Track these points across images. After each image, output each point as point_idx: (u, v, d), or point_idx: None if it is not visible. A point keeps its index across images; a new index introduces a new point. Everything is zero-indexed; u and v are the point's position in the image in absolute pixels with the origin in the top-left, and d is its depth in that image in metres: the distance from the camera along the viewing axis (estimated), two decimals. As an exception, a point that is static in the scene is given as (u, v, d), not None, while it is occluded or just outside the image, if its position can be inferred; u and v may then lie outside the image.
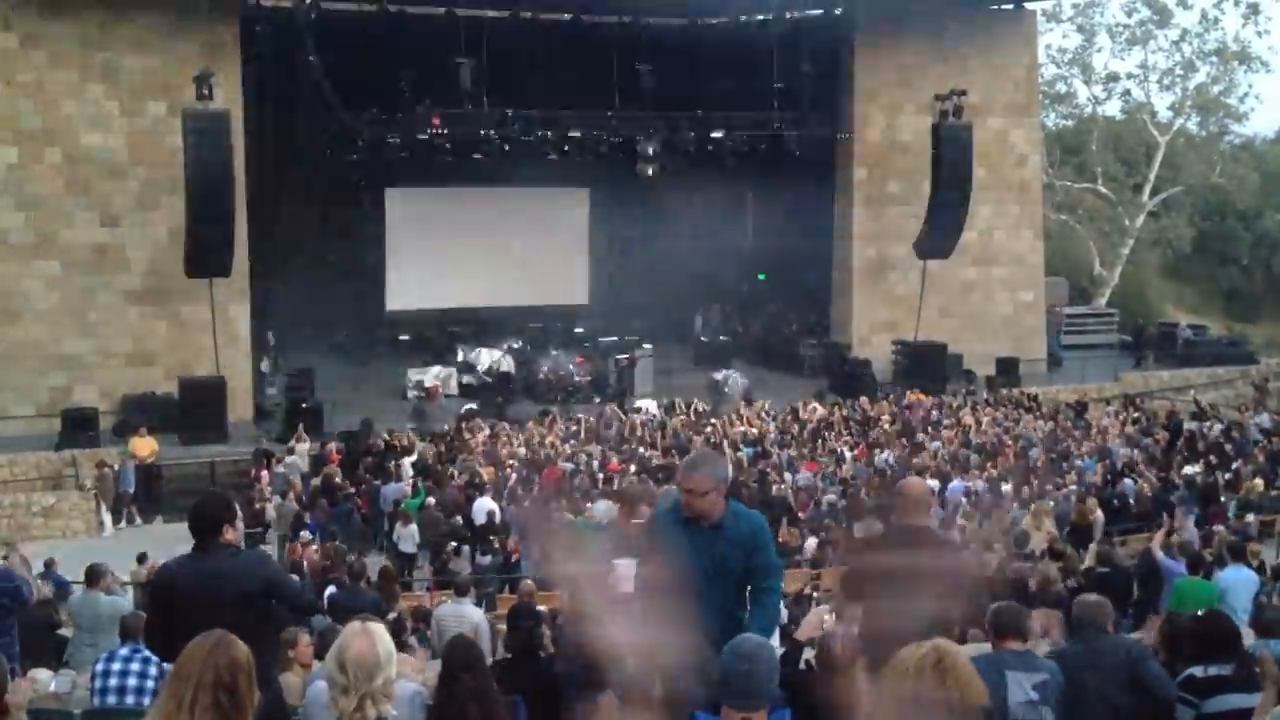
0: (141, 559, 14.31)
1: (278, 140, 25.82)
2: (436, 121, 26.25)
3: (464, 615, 9.44)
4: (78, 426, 21.76)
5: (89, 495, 20.09)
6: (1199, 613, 6.36)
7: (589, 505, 16.15)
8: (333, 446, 20.75)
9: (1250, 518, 14.60)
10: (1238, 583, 9.40)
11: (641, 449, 20.24)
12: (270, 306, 26.53)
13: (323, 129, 26.64)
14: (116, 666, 6.64)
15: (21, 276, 22.83)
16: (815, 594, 11.42)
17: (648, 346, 27.96)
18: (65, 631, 10.47)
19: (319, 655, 7.22)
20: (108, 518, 19.80)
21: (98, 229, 23.25)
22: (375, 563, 14.36)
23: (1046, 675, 5.14)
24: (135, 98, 23.31)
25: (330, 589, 10.79)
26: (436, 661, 7.95)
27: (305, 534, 15.05)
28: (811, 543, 14.88)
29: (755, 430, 22.19)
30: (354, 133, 26.87)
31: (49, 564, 13.73)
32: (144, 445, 20.89)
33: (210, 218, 20.85)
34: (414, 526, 15.94)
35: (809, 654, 5.77)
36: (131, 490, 20.09)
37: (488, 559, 14.95)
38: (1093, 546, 10.95)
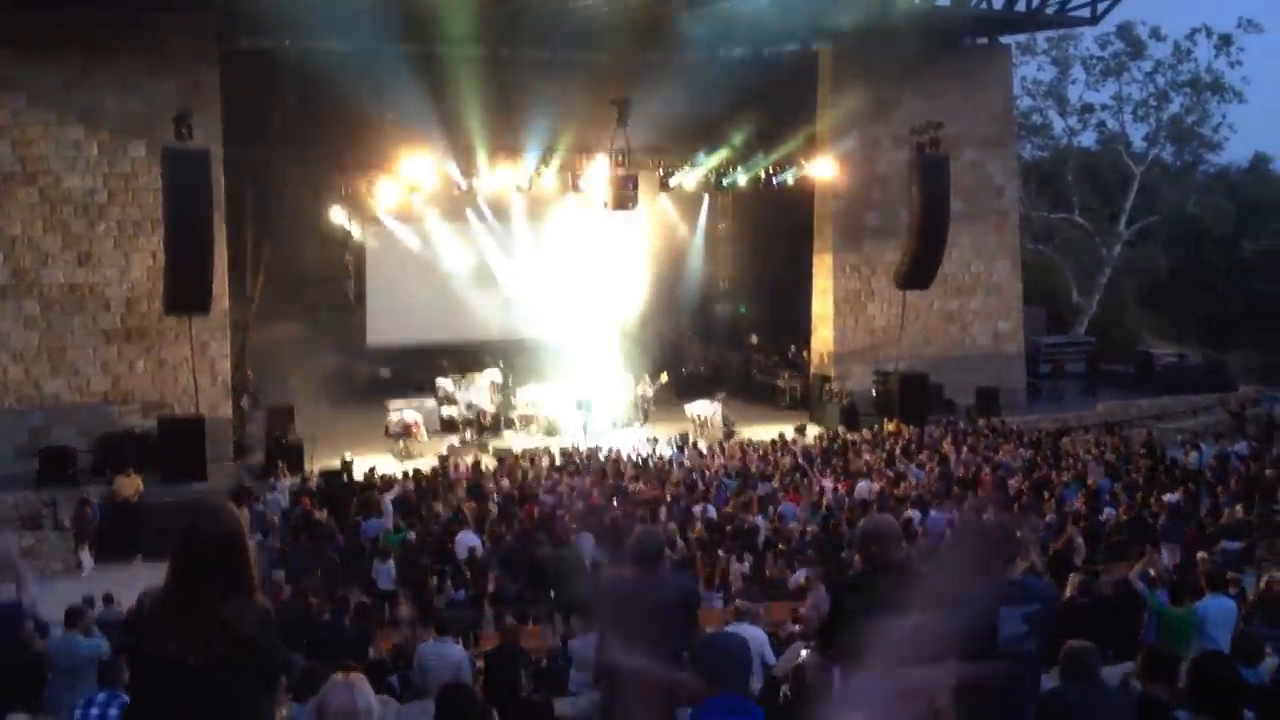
0: (108, 600, 14.15)
1: (257, 178, 25.86)
2: (417, 161, 26.41)
3: (446, 655, 9.40)
4: (56, 466, 21.66)
5: (67, 534, 19.96)
6: (1205, 652, 6.31)
7: (573, 539, 16.13)
8: (313, 484, 20.71)
9: (1230, 545, 14.63)
10: (1217, 612, 9.40)
11: (623, 482, 20.24)
12: (249, 343, 26.50)
13: (303, 167, 26.76)
14: (95, 712, 6.61)
15: (-1, 317, 22.78)
16: (797, 626, 11.38)
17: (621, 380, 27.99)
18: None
19: (297, 697, 7.18)
20: (86, 557, 19.65)
21: (76, 268, 23.20)
22: (356, 600, 14.31)
23: (1038, 605, 5.25)
24: (114, 138, 23.29)
25: (310, 627, 10.72)
26: (420, 702, 7.92)
27: (278, 574, 14.89)
28: (797, 575, 14.84)
29: (737, 462, 22.22)
30: (335, 171, 27.02)
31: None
32: (129, 484, 20.79)
33: (189, 256, 20.82)
34: (391, 563, 15.84)
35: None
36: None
37: (460, 593, 14.88)
38: (1073, 576, 10.95)
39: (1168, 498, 17.38)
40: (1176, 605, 9.95)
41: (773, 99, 29.32)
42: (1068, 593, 10.55)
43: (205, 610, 3.68)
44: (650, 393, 27.57)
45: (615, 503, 18.49)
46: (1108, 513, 16.89)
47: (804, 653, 5.89)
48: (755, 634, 8.99)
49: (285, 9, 21.91)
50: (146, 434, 22.83)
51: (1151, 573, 11.21)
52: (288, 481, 20.84)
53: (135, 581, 14.91)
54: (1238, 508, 16.16)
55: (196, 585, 3.71)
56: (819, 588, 12.53)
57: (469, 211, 29.74)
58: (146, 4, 22.90)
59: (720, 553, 15.62)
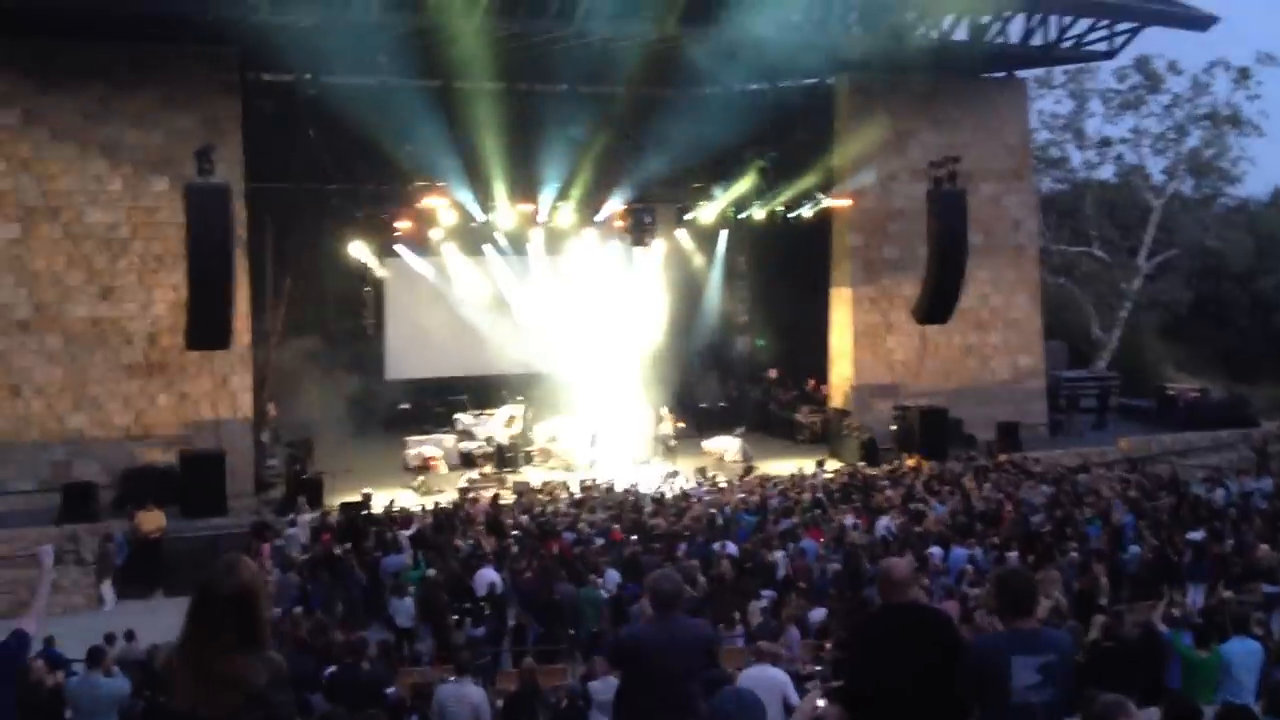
0: (129, 636, 14.17)
1: (278, 213, 26.03)
2: (435, 195, 26.58)
3: (464, 695, 9.36)
4: (77, 501, 21.72)
5: (89, 570, 19.99)
6: (1229, 706, 6.23)
7: (594, 577, 16.07)
8: (333, 519, 20.72)
9: (1270, 588, 14.44)
10: (1242, 656, 9.28)
11: (642, 518, 20.18)
12: (270, 378, 26.59)
13: (322, 201, 26.94)
14: (116, 757, 6.59)
15: (22, 351, 22.88)
16: (819, 667, 11.27)
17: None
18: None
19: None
20: (108, 593, 19.68)
21: (98, 303, 23.35)
22: (378, 636, 14.30)
23: (1054, 655, 5.19)
24: (136, 173, 23.47)
25: (329, 668, 10.66)
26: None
27: (297, 609, 14.90)
28: (818, 613, 14.71)
29: (756, 498, 22.12)
30: (353, 205, 27.19)
31: (49, 641, 13.61)
32: (150, 520, 20.83)
33: (210, 290, 20.85)
34: (409, 600, 15.80)
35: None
36: (119, 564, 20.05)
37: (480, 630, 14.82)
38: (1098, 618, 10.84)
39: (1191, 535, 17.22)
40: (1201, 648, 9.85)
41: (789, 132, 29.47)
42: (1091, 635, 10.45)
43: (219, 664, 3.79)
44: (672, 429, 27.50)
45: (634, 538, 18.44)
46: (1131, 551, 16.73)
47: (821, 702, 5.84)
48: (776, 676, 8.91)
49: (304, 44, 22.13)
50: (168, 469, 22.89)
51: (1176, 614, 11.09)
52: (308, 516, 20.83)
53: (157, 617, 14.97)
54: (1264, 547, 15.98)
55: (211, 640, 3.82)
56: (790, 628, 12.44)
57: (486, 245, 29.82)
58: (166, 37, 23.12)
59: (740, 592, 15.51)
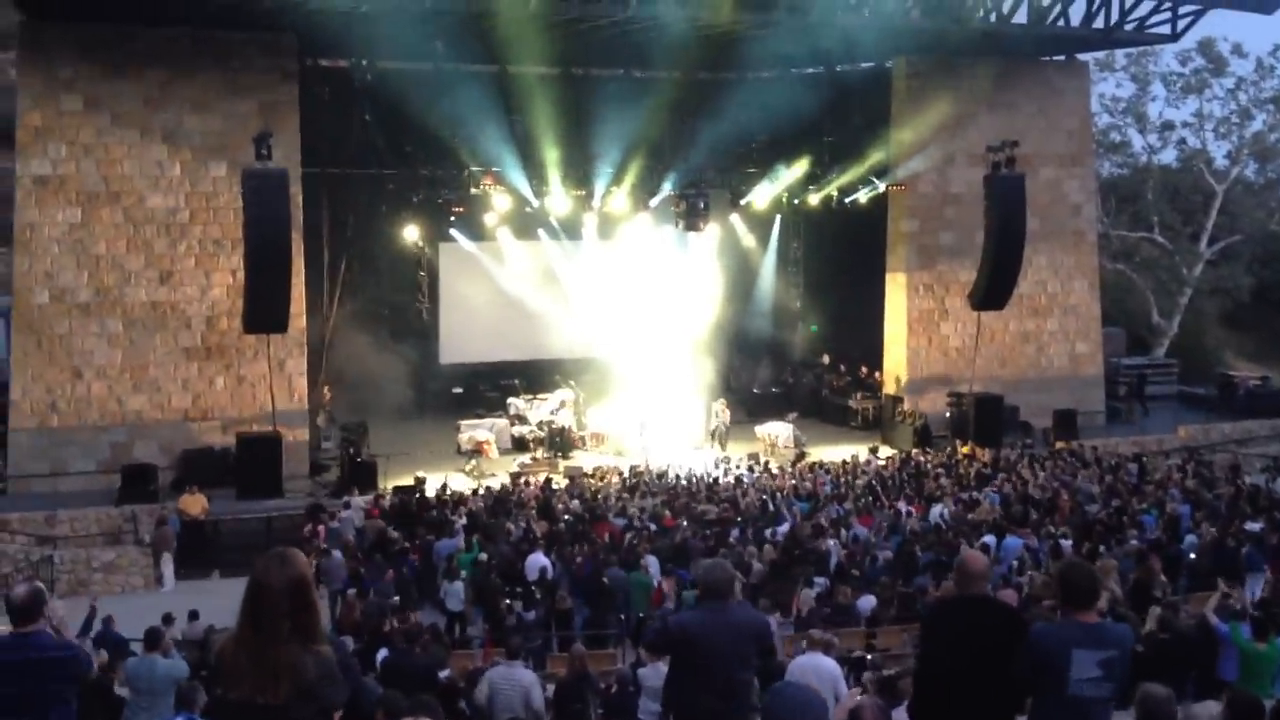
0: (194, 615, 14.36)
1: (334, 197, 26.24)
2: (490, 180, 26.67)
3: (516, 679, 9.40)
4: (137, 482, 22.05)
5: (147, 550, 20.29)
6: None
7: (644, 563, 16.10)
8: (386, 502, 20.87)
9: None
10: (1302, 650, 9.16)
11: (694, 503, 20.19)
12: (326, 361, 26.83)
13: (378, 186, 27.11)
14: (171, 736, 6.67)
15: (84, 334, 23.20)
16: (870, 655, 11.20)
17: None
18: (122, 691, 10.44)
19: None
20: (168, 572, 19.95)
21: (158, 287, 23.61)
22: (431, 619, 14.41)
23: (1115, 651, 5.13)
24: (196, 158, 23.69)
25: (382, 652, 10.76)
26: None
27: (351, 591, 15.05)
28: (867, 601, 14.62)
29: (809, 484, 22.06)
30: (408, 189, 27.32)
31: (107, 621, 13.82)
32: (194, 503, 21.12)
33: (268, 275, 21.09)
34: (459, 583, 15.89)
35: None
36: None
37: (531, 614, 14.88)
38: (1154, 610, 10.71)
39: (1249, 526, 16.96)
40: (1260, 640, 9.71)
41: (845, 117, 29.27)
42: (1147, 626, 10.32)
43: (273, 654, 3.91)
44: (727, 417, 27.36)
45: (684, 524, 18.44)
46: (1188, 541, 16.50)
47: (860, 695, 5.80)
48: (828, 666, 8.86)
49: (361, 30, 22.30)
50: (225, 451, 23.17)
51: (1236, 605, 10.93)
52: (361, 500, 21.00)
53: (213, 597, 15.15)
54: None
55: (266, 630, 3.93)
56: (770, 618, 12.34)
57: (540, 230, 29.86)
58: (225, 24, 23.31)
59: (791, 579, 15.45)
